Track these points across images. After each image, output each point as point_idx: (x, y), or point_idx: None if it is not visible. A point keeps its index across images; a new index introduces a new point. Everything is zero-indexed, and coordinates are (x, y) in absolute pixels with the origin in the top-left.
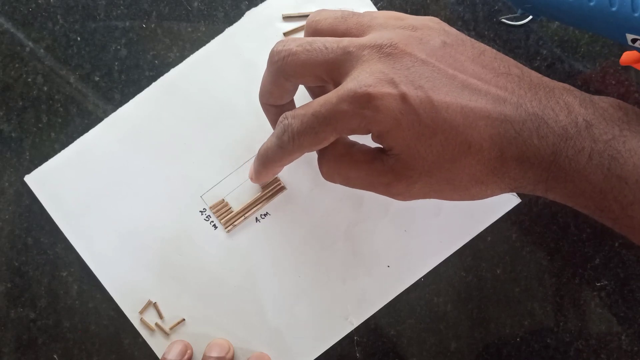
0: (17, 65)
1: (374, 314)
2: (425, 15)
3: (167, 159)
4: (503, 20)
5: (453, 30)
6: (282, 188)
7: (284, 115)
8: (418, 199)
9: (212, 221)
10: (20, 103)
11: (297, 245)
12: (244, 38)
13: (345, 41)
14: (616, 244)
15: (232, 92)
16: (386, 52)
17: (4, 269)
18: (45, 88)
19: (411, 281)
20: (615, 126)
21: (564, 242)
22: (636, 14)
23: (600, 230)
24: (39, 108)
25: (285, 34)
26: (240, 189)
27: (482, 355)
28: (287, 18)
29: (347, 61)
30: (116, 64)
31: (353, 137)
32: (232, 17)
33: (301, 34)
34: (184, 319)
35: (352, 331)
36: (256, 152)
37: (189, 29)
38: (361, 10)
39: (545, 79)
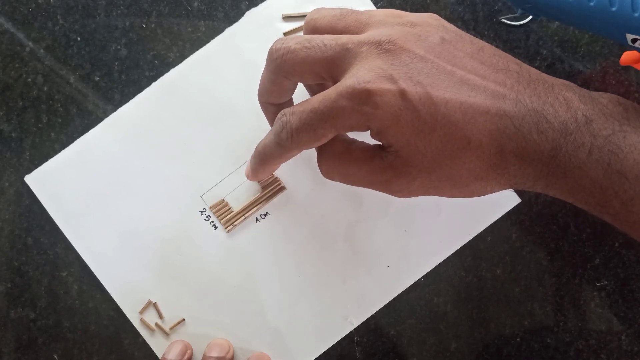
0: (17, 65)
1: (374, 314)
2: None
3: (167, 159)
4: (503, 20)
5: (452, 26)
6: (282, 188)
7: (282, 112)
8: (418, 195)
9: (212, 221)
10: (20, 103)
11: (297, 245)
12: (244, 38)
13: (344, 38)
14: (616, 244)
15: (232, 92)
16: (385, 48)
17: (4, 269)
18: (45, 88)
19: (411, 281)
20: (615, 121)
21: (564, 242)
22: (636, 14)
23: (600, 230)
24: (39, 108)
25: (285, 34)
26: (240, 189)
27: (482, 355)
28: (287, 18)
29: (345, 58)
30: (116, 64)
31: (352, 135)
32: (232, 17)
33: (301, 34)
34: (184, 319)
35: (352, 331)
36: None
37: (189, 29)
38: (361, 10)
39: (544, 75)
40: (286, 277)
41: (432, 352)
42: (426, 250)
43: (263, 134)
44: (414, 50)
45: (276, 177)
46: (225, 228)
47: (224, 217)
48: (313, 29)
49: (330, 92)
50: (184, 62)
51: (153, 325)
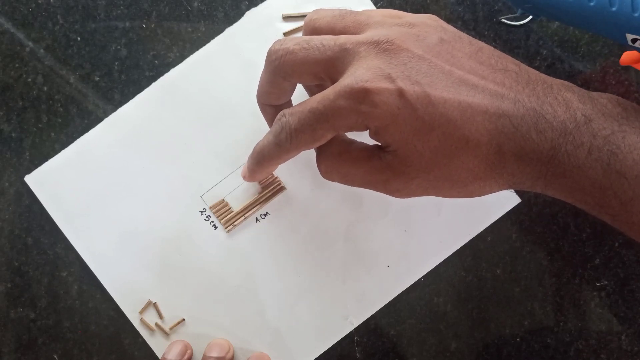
0: (17, 65)
1: (374, 314)
2: None
3: (167, 159)
4: (503, 20)
5: (451, 27)
6: (282, 188)
7: (281, 113)
8: (416, 196)
9: (212, 221)
10: (20, 103)
11: (297, 245)
12: (244, 38)
13: (342, 38)
14: (616, 244)
15: (232, 92)
16: (383, 47)
17: (4, 269)
18: (45, 88)
19: (411, 281)
20: (614, 121)
21: (564, 242)
22: (636, 14)
23: (600, 230)
24: (39, 108)
25: (285, 34)
26: (240, 188)
27: (482, 355)
28: (287, 18)
29: (344, 58)
30: (116, 64)
31: (352, 135)
32: (232, 17)
33: (301, 34)
34: (183, 319)
35: (352, 331)
36: None
37: (189, 29)
38: (360, 10)
39: (543, 75)
40: (286, 277)
41: (432, 352)
42: (426, 250)
43: (263, 134)
44: (412, 49)
45: (276, 177)
46: (225, 228)
47: (224, 217)
48: (312, 29)
49: (329, 92)
50: (184, 62)
51: (153, 325)
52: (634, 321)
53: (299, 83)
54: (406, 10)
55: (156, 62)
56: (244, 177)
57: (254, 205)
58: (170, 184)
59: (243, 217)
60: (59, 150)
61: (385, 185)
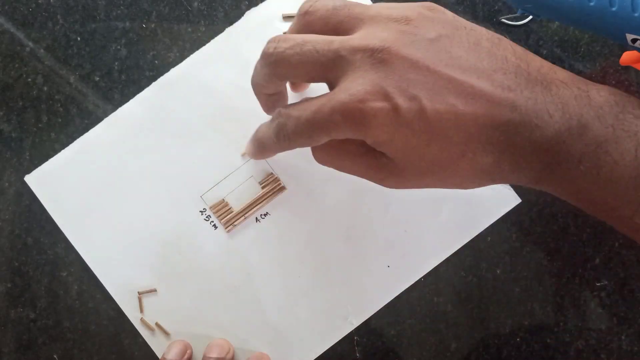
0: (17, 65)
1: (374, 313)
2: None
3: (167, 159)
4: (503, 20)
5: (449, 15)
6: (282, 188)
7: (278, 112)
8: (409, 188)
9: (212, 221)
10: (20, 103)
11: (297, 245)
12: (244, 38)
13: (336, 43)
14: (616, 244)
15: (232, 92)
16: (379, 58)
17: (4, 269)
18: (45, 88)
19: (411, 281)
20: (609, 126)
21: (564, 242)
22: (636, 14)
23: (600, 230)
24: (39, 108)
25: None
26: (240, 189)
27: (482, 355)
28: (287, 18)
29: (338, 65)
30: (116, 64)
31: None
32: (232, 17)
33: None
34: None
35: (352, 331)
36: None
37: (189, 29)
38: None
39: (544, 68)
40: (286, 277)
41: (432, 352)
42: (426, 250)
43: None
44: (409, 56)
45: (276, 177)
46: (226, 228)
47: (224, 217)
48: (306, 23)
49: (325, 105)
50: (184, 62)
51: (153, 325)
52: (634, 321)
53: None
54: None
55: (156, 62)
56: (247, 153)
57: (254, 205)
58: (170, 184)
59: (243, 217)
60: (59, 150)
61: (380, 181)
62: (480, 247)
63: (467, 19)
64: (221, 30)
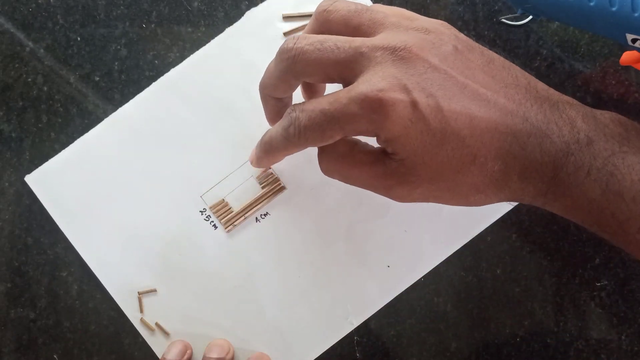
0: (17, 65)
1: (374, 314)
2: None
3: (167, 159)
4: (503, 20)
5: (463, 36)
6: (282, 188)
7: (292, 107)
8: (416, 202)
9: (212, 221)
10: (20, 103)
11: (297, 245)
12: (244, 38)
13: (358, 41)
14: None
15: (232, 92)
16: (400, 55)
17: (4, 269)
18: (45, 88)
19: (411, 281)
20: (615, 142)
21: (564, 242)
22: (636, 14)
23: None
24: (39, 108)
25: (285, 34)
26: (240, 189)
27: (482, 356)
28: (287, 18)
29: (359, 62)
30: (116, 64)
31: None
32: (232, 17)
33: (302, 32)
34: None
35: (352, 331)
36: None
37: (189, 29)
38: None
39: (551, 90)
40: (286, 277)
41: (432, 352)
42: (426, 250)
43: (263, 133)
44: (429, 59)
45: (276, 177)
46: (225, 228)
47: (224, 217)
48: (325, 21)
49: (342, 96)
50: (184, 62)
51: (153, 325)
52: (634, 321)
53: (310, 82)
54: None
55: (156, 62)
56: (252, 163)
57: (254, 205)
58: (170, 184)
59: (243, 217)
60: (59, 150)
61: (387, 191)
62: (480, 247)
63: (467, 19)
64: (221, 31)
